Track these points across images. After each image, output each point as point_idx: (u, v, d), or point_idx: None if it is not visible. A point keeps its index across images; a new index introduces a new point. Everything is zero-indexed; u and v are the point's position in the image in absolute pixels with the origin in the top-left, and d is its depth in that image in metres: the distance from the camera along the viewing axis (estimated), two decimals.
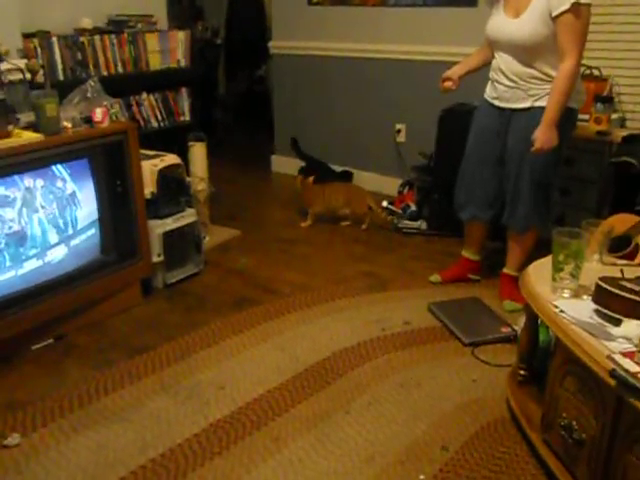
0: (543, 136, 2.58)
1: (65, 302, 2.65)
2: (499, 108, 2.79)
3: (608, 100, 3.36)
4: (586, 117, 3.30)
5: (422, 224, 3.91)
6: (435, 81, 4.00)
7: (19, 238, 2.48)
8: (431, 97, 3.99)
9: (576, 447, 1.77)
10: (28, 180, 2.48)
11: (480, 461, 2.00)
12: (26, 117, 2.58)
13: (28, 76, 2.83)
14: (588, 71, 3.44)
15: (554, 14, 2.47)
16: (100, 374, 2.43)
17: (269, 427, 2.15)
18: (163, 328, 2.79)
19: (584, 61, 3.07)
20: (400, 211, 4.02)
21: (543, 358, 2.19)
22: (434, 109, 3.74)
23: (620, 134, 3.28)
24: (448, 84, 2.89)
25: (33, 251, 2.55)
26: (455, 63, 2.96)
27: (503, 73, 2.71)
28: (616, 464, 1.63)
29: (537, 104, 2.66)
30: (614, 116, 3.43)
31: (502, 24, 2.66)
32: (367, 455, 2.02)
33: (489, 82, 2.84)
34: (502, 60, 2.71)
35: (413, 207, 4.00)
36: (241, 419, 2.19)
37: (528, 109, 2.68)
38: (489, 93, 2.85)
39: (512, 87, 2.70)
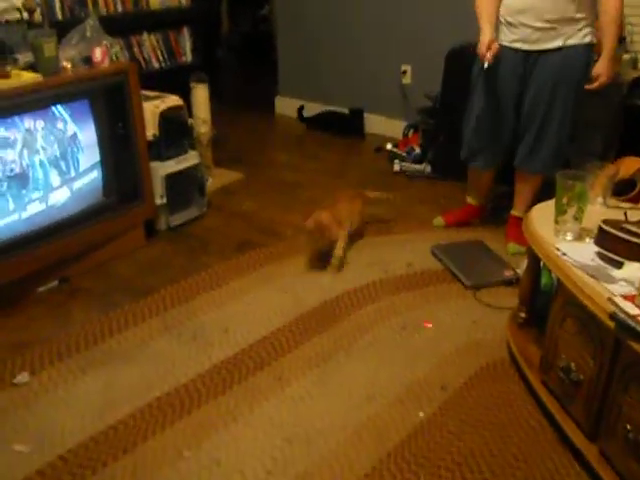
0: (609, 70, 2.59)
1: (69, 245, 2.66)
2: (522, 51, 2.69)
3: (620, 40, 3.27)
4: (596, 57, 3.23)
5: (426, 167, 3.88)
6: (442, 19, 3.94)
7: (21, 180, 2.47)
8: (437, 37, 3.93)
9: (573, 387, 1.80)
10: (28, 121, 2.45)
11: (478, 400, 2.04)
12: (24, 57, 2.53)
13: (25, 15, 2.77)
14: None
15: None
16: (105, 316, 2.46)
17: (272, 367, 2.19)
18: (166, 271, 2.81)
19: None
20: (404, 154, 3.99)
21: (544, 301, 2.20)
22: (441, 49, 3.66)
23: (632, 75, 3.22)
24: (494, 48, 2.65)
25: (36, 194, 2.54)
26: None
27: (535, 15, 2.60)
28: (612, 403, 1.65)
29: (569, 42, 2.62)
30: (626, 57, 3.35)
31: None
32: (367, 394, 2.06)
33: (501, 26, 2.73)
34: (536, 1, 2.59)
35: (417, 150, 3.96)
36: (244, 360, 2.22)
37: (559, 49, 2.63)
38: (507, 37, 2.71)
39: (544, 29, 2.61)
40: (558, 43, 2.62)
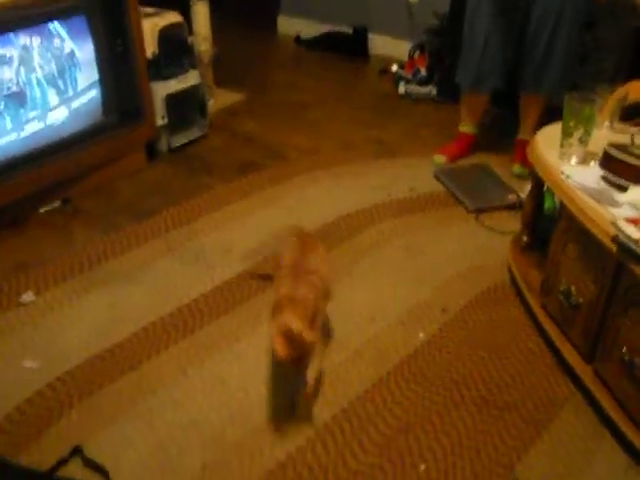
0: None
1: (70, 165, 2.64)
2: None
3: None
4: None
5: (432, 90, 3.80)
6: None
7: (18, 99, 2.42)
8: None
9: (572, 311, 1.82)
10: (24, 38, 2.38)
11: (478, 323, 2.07)
12: None
13: None
14: None
15: None
16: (107, 237, 2.47)
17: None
18: (168, 192, 2.79)
19: None
20: (410, 76, 3.90)
21: (547, 225, 2.19)
22: None
23: None
24: None
25: (34, 113, 2.50)
26: None
27: None
28: (609, 326, 1.68)
29: None
30: None
31: None
32: (368, 316, 2.09)
33: None
34: None
35: (423, 72, 3.87)
36: (247, 280, 2.24)
37: None
38: None
39: None
40: None
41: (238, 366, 1.88)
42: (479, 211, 2.65)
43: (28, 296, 2.14)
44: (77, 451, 1.59)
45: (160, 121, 3.00)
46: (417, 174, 2.94)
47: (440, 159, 3.06)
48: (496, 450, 1.65)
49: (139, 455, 1.60)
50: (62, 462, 1.55)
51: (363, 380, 1.84)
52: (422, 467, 1.59)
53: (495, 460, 1.63)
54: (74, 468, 1.55)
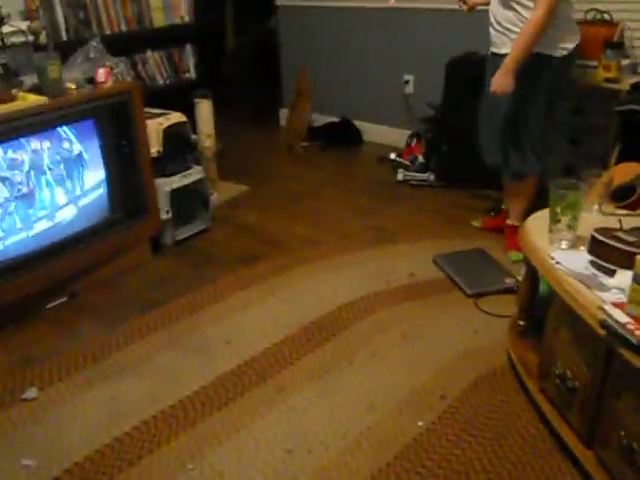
0: (496, 80, 2.62)
1: (77, 261, 2.72)
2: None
3: (618, 46, 3.28)
4: (595, 64, 3.25)
5: (430, 176, 3.90)
6: (443, 31, 3.98)
7: (28, 200, 2.53)
8: (440, 47, 3.96)
9: (569, 394, 1.82)
10: (35, 142, 2.51)
11: (478, 408, 2.06)
12: (30, 79, 2.60)
13: (31, 38, 2.84)
14: (599, 16, 3.37)
15: None
16: (112, 330, 2.51)
17: (274, 379, 2.22)
18: (172, 284, 2.86)
19: (593, 5, 3.24)
20: (408, 163, 4.02)
21: (542, 308, 2.21)
22: (442, 59, 3.70)
23: (629, 81, 3.23)
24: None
25: (42, 212, 2.60)
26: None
27: (492, 16, 2.71)
28: (606, 410, 1.68)
29: None
30: (625, 62, 3.36)
31: None
32: (368, 404, 2.09)
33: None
34: (492, 3, 2.71)
35: (421, 159, 3.99)
36: (247, 372, 2.26)
37: (506, 55, 2.62)
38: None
39: (498, 31, 2.69)
40: (507, 49, 2.63)
41: (237, 459, 1.88)
42: (477, 295, 2.68)
43: (31, 392, 2.17)
44: None
45: (164, 215, 3.10)
46: (416, 260, 2.99)
47: (478, 223, 3.32)
48: None
49: None
50: None
51: (363, 472, 1.82)
52: None
53: None
54: None
